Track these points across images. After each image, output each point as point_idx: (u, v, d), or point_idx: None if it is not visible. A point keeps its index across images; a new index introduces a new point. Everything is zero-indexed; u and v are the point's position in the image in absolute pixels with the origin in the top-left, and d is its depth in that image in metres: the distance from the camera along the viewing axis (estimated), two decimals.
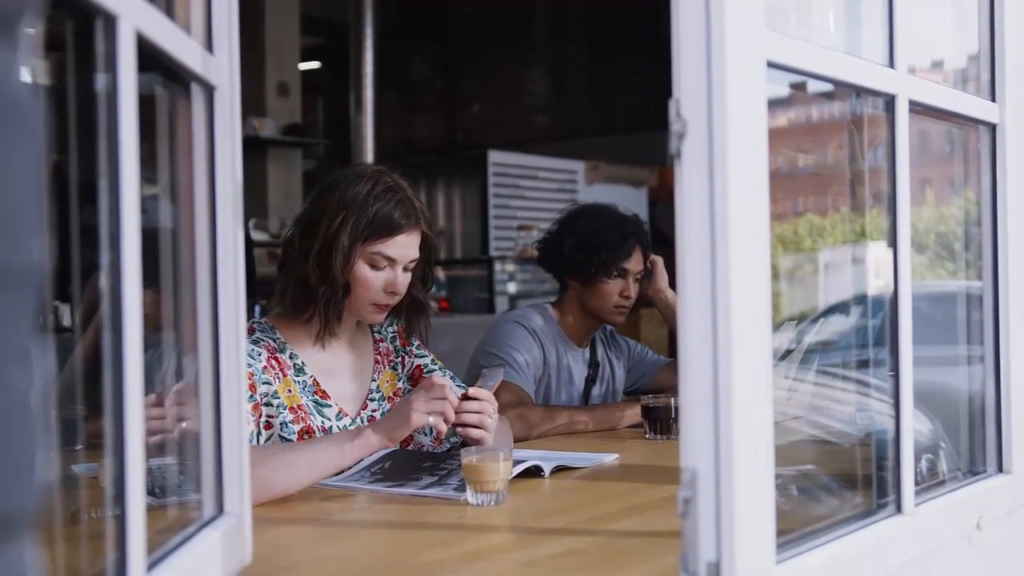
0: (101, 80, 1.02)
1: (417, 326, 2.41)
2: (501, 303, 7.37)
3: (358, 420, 2.30)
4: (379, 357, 2.41)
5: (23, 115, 0.54)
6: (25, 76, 0.55)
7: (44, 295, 0.58)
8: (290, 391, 2.21)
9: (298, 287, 2.23)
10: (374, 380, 2.38)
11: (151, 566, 1.09)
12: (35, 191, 0.56)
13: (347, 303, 2.26)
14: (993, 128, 1.83)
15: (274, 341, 2.25)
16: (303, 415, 2.20)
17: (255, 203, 7.47)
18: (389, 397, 2.38)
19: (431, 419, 2.02)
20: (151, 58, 1.13)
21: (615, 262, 2.99)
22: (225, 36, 1.39)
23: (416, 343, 2.48)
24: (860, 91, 1.58)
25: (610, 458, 2.37)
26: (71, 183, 1.02)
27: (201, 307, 1.36)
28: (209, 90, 1.35)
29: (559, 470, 2.19)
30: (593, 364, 3.17)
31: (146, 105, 1.08)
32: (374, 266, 2.22)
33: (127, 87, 1.02)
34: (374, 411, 2.34)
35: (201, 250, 1.36)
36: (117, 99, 1.01)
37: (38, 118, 0.56)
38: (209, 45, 1.36)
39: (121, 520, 1.01)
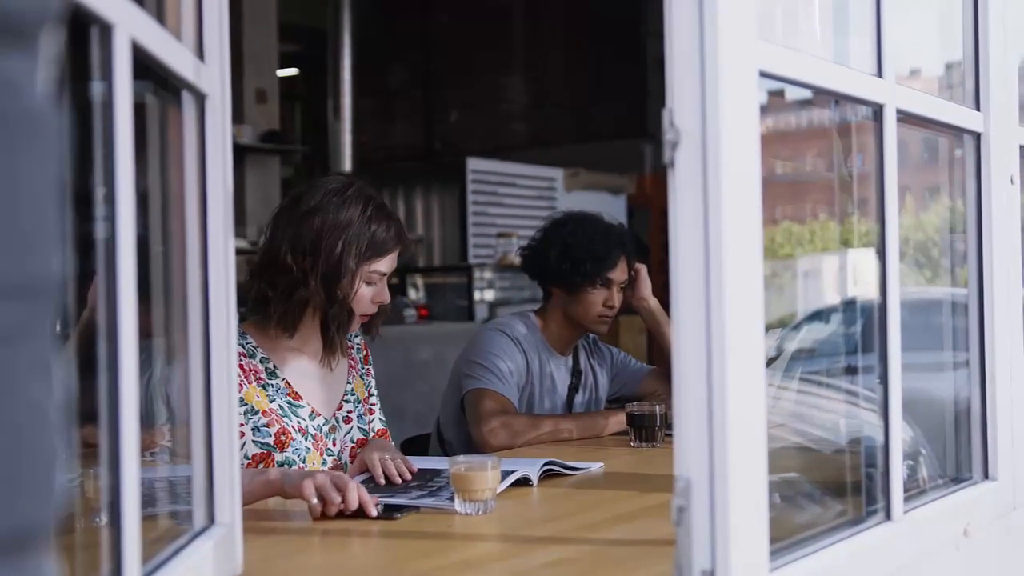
0: (96, 88, 1.01)
1: (376, 324, 2.45)
2: (480, 311, 7.36)
3: (332, 420, 2.37)
4: (352, 362, 2.49)
5: (43, 126, 0.54)
6: (44, 87, 0.55)
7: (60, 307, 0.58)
8: (258, 396, 2.26)
9: (298, 308, 2.28)
10: (349, 383, 2.45)
11: None
12: (54, 203, 0.55)
13: None
14: (978, 137, 1.84)
15: (243, 347, 2.28)
16: (276, 417, 2.25)
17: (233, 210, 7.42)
18: (363, 400, 2.47)
19: (314, 500, 1.85)
20: (143, 66, 1.12)
21: (600, 272, 2.99)
22: (216, 45, 1.38)
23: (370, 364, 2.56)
24: (849, 100, 1.59)
25: (595, 467, 2.37)
26: (65, 191, 1.01)
27: (192, 316, 1.35)
28: (200, 98, 1.35)
29: (549, 475, 2.19)
30: (576, 372, 3.17)
31: (136, 113, 1.08)
32: (369, 283, 2.31)
33: (123, 95, 1.01)
34: (349, 412, 2.42)
35: (192, 259, 1.35)
36: (113, 107, 1.00)
37: (58, 129, 0.55)
38: (200, 53, 1.35)
39: (116, 530, 1.00)
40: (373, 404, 2.53)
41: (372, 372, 2.55)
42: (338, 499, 1.82)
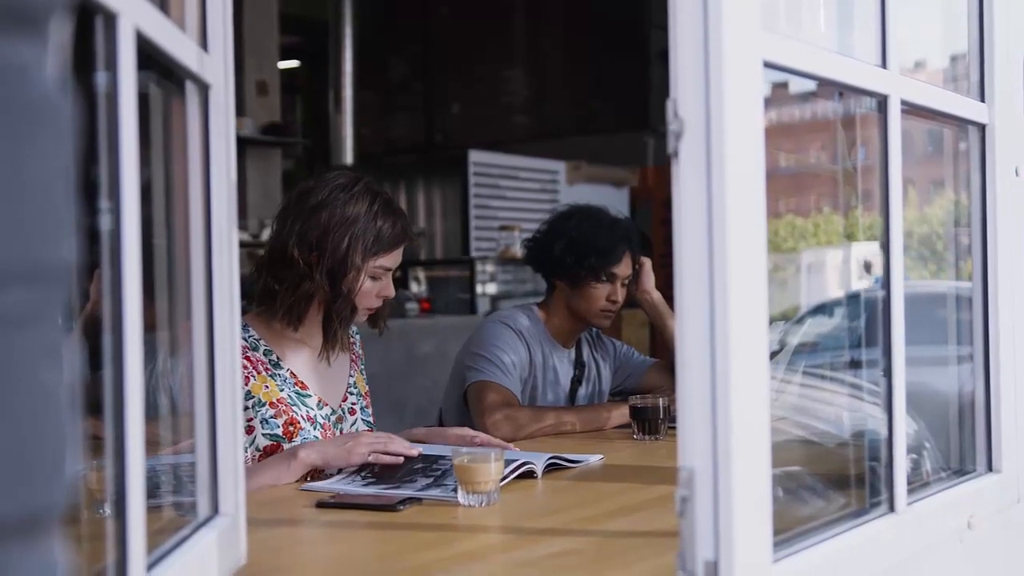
0: (100, 78, 1.01)
1: (383, 317, 2.46)
2: (482, 304, 7.35)
3: (339, 411, 2.40)
4: (353, 356, 2.52)
5: (53, 113, 0.53)
6: (54, 73, 0.55)
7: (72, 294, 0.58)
8: (267, 387, 2.28)
9: (304, 301, 2.30)
10: (351, 376, 2.48)
11: (150, 566, 1.08)
12: (66, 189, 0.55)
13: None
14: (983, 128, 1.84)
15: (246, 340, 2.29)
16: (284, 408, 2.28)
17: None
18: (364, 395, 2.50)
19: (371, 457, 2.10)
20: (146, 56, 1.12)
21: (605, 267, 2.98)
22: (220, 34, 1.38)
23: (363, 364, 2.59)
24: (853, 91, 1.58)
25: (595, 459, 2.37)
26: (75, 178, 1.01)
27: (196, 307, 1.35)
28: (204, 88, 1.34)
29: (551, 469, 2.19)
30: (579, 365, 3.17)
31: (139, 103, 1.07)
32: (375, 278, 2.33)
33: (127, 85, 1.01)
34: (353, 404, 2.45)
35: (196, 249, 1.35)
36: (117, 97, 1.00)
37: (68, 115, 0.55)
38: (204, 43, 1.35)
39: (121, 521, 1.00)
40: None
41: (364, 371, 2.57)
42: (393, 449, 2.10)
